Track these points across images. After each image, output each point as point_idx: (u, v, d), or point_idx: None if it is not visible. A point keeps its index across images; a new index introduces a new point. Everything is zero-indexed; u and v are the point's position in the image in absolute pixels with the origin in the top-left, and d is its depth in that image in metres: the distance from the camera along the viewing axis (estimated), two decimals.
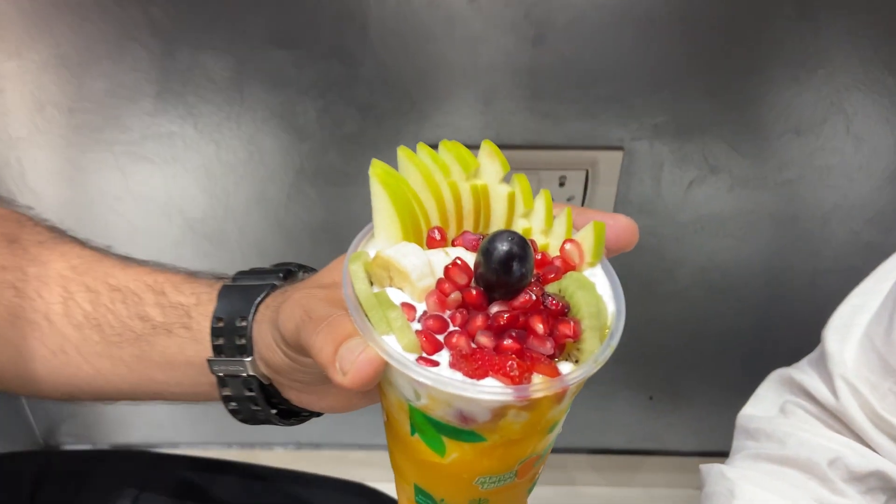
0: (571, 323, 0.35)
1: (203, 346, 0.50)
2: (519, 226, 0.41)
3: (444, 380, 0.34)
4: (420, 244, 0.40)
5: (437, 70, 0.89)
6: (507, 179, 0.41)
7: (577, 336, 0.35)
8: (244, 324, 0.48)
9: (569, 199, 1.00)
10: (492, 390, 0.33)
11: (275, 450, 1.37)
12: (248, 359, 0.48)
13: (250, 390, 0.49)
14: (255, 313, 0.48)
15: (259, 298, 0.48)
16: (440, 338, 0.35)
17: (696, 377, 1.24)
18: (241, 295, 0.49)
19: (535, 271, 0.37)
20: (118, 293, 0.52)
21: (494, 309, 0.36)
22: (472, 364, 0.34)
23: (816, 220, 1.02)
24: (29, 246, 0.55)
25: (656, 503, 1.36)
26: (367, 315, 0.35)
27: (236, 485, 0.75)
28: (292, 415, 0.52)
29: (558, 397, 0.36)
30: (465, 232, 0.41)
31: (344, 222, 1.03)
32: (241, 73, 0.90)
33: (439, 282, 0.37)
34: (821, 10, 0.84)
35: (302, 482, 0.77)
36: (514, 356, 0.34)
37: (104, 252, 0.56)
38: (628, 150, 0.96)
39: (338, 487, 0.77)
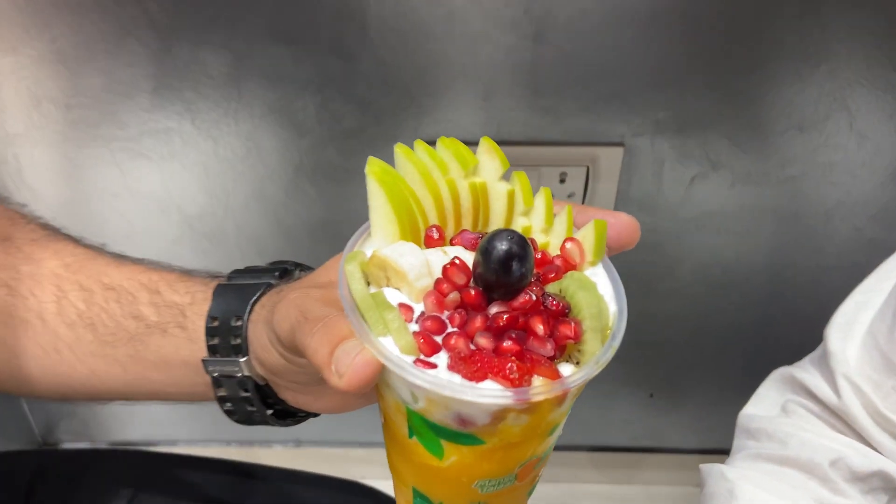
0: (572, 324, 0.35)
1: (198, 346, 0.49)
2: (519, 224, 0.41)
3: (442, 382, 0.33)
4: (418, 243, 0.39)
5: (437, 66, 0.89)
6: (506, 177, 0.41)
7: (578, 337, 0.35)
8: (239, 323, 0.47)
9: (569, 196, 0.99)
10: (491, 393, 0.33)
11: (274, 447, 1.37)
12: (244, 359, 0.47)
13: (246, 391, 0.49)
14: (250, 313, 0.47)
15: (254, 298, 0.48)
16: (438, 339, 0.35)
17: (697, 375, 1.24)
18: (236, 294, 0.49)
19: (535, 271, 0.37)
20: (112, 292, 0.52)
21: (494, 309, 0.35)
22: (471, 366, 0.33)
23: (819, 217, 1.02)
24: (22, 244, 0.55)
25: (657, 501, 1.36)
26: (363, 316, 0.35)
27: (233, 484, 0.75)
28: (289, 415, 0.52)
29: (559, 400, 0.36)
30: (463, 231, 0.40)
31: (343, 219, 1.02)
32: (239, 69, 0.89)
33: (437, 282, 0.36)
34: (823, 5, 0.83)
35: (300, 481, 0.77)
36: (513, 358, 0.33)
37: (98, 250, 0.56)
38: (629, 146, 0.95)
39: (335, 486, 0.77)
